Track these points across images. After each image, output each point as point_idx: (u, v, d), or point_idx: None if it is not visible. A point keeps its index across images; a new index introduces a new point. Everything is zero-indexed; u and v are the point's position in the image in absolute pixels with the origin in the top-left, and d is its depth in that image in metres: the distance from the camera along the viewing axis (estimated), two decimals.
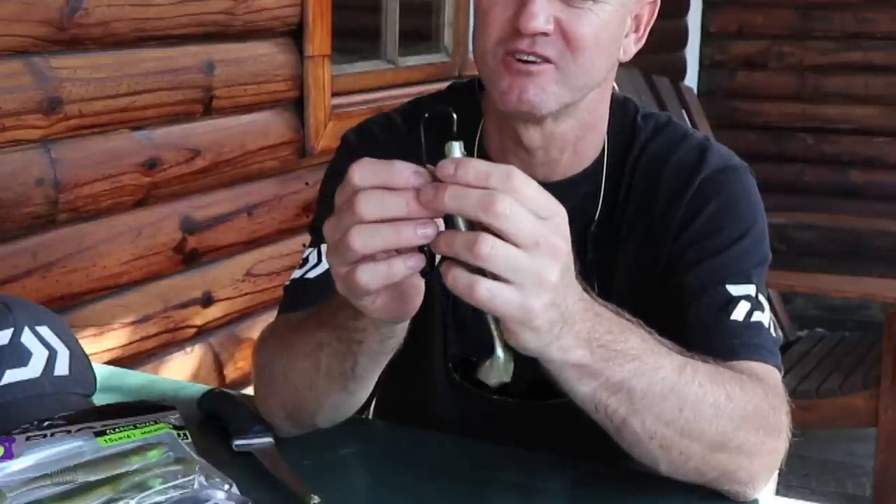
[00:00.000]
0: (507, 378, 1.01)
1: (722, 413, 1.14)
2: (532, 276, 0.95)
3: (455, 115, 0.96)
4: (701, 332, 1.26)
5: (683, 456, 1.16)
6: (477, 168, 0.93)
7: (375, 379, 1.22)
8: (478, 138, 1.41)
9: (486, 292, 0.94)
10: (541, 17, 1.23)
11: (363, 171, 0.96)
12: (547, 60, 1.25)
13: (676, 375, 1.12)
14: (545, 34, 1.24)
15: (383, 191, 0.95)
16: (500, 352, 1.00)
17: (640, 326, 1.12)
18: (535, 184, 0.95)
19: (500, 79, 1.27)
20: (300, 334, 1.22)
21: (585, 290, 1.05)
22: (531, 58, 1.25)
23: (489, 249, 0.92)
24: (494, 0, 1.27)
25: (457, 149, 0.95)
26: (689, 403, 1.12)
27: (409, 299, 1.03)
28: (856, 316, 4.80)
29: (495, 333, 1.00)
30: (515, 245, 0.93)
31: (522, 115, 1.30)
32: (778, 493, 1.53)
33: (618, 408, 1.11)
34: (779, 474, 1.35)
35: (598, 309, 1.06)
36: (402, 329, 1.12)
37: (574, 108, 1.32)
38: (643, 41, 1.36)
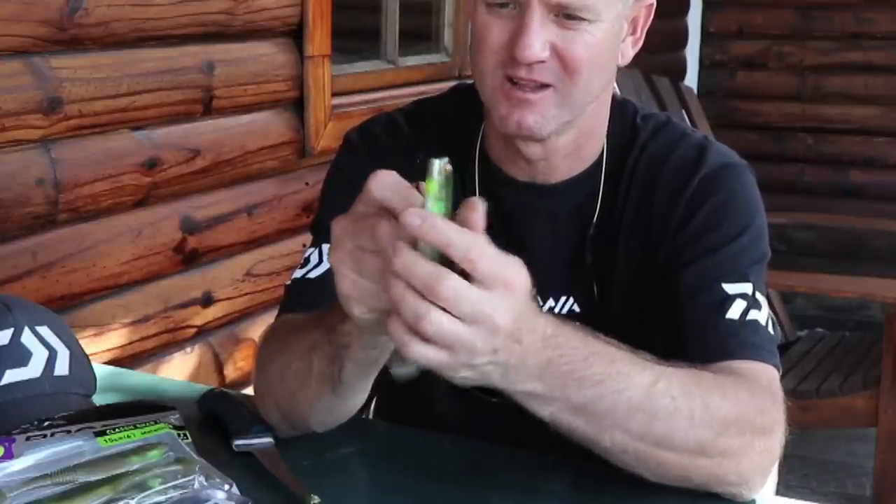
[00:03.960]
0: (415, 373, 1.01)
1: (698, 423, 1.13)
2: (467, 347, 0.95)
3: (450, 167, 0.95)
4: (696, 330, 1.26)
5: (662, 466, 1.15)
6: (438, 233, 0.92)
7: (364, 388, 1.22)
8: (479, 142, 1.41)
9: (415, 353, 0.95)
10: (536, 45, 1.22)
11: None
12: (546, 85, 1.25)
13: (645, 392, 1.10)
14: (542, 62, 1.23)
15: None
16: None
17: (609, 346, 1.10)
18: (493, 255, 0.94)
19: (500, 104, 1.27)
20: (299, 335, 1.22)
21: (555, 316, 1.04)
22: (530, 83, 1.24)
23: (433, 330, 0.93)
24: (489, 23, 1.26)
25: (436, 169, 0.94)
26: (661, 418, 1.11)
27: None
28: (856, 316, 4.80)
29: None
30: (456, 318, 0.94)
31: (522, 138, 1.30)
32: (778, 493, 1.53)
33: (581, 426, 1.10)
34: (779, 474, 1.35)
35: (560, 340, 1.04)
36: (384, 343, 1.11)
37: (574, 121, 1.32)
38: (641, 43, 1.36)
